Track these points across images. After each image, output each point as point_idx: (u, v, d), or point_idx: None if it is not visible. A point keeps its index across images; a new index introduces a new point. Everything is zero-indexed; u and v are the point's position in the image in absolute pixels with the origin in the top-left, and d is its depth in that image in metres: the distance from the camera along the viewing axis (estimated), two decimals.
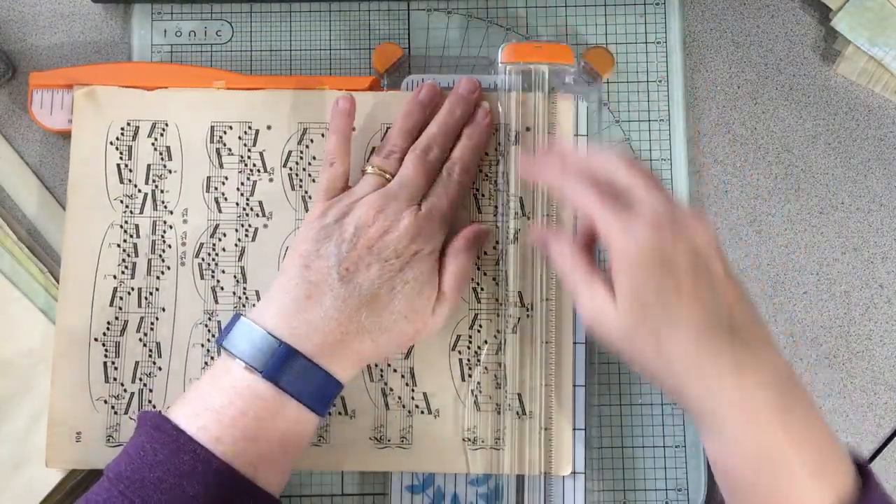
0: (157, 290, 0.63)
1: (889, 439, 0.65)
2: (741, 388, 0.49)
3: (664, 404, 0.65)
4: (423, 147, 0.60)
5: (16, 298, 0.64)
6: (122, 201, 0.63)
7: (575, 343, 0.63)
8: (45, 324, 0.64)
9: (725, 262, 0.51)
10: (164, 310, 0.63)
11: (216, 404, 0.53)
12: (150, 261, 0.63)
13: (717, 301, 0.50)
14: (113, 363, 0.62)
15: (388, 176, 0.59)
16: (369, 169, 0.60)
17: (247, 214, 0.63)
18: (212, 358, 0.62)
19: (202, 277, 0.63)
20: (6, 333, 0.64)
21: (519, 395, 0.62)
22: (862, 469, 0.50)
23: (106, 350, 0.62)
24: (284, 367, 0.53)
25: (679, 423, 0.64)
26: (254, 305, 0.61)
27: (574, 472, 0.62)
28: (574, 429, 0.62)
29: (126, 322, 0.62)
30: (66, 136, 0.65)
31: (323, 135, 0.64)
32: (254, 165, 0.63)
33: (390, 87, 0.65)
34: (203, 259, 0.63)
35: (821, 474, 0.49)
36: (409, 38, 0.68)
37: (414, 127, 0.61)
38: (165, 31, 0.68)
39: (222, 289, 0.63)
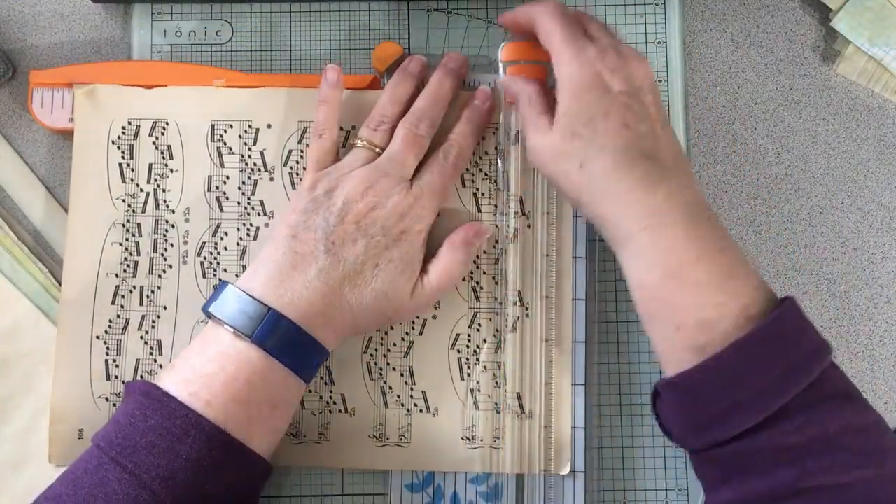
0: (158, 288, 0.63)
1: None
2: (649, 204, 0.52)
3: None
4: (412, 120, 0.60)
5: (16, 298, 0.64)
6: (124, 200, 0.63)
7: (574, 342, 0.63)
8: (45, 324, 0.64)
9: (659, 100, 0.56)
10: (165, 308, 0.63)
11: (206, 370, 0.53)
12: (151, 259, 0.63)
13: (642, 130, 0.54)
14: (114, 361, 0.62)
15: (377, 149, 0.60)
16: (358, 142, 0.60)
17: (248, 213, 0.63)
18: None
19: (204, 276, 0.63)
20: (6, 333, 0.64)
21: (518, 394, 0.62)
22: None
23: (107, 348, 0.62)
24: (273, 332, 0.54)
25: None
26: None
27: (574, 472, 0.62)
28: (574, 428, 0.62)
29: (128, 320, 0.62)
30: (66, 135, 0.66)
31: None
32: (254, 164, 0.64)
33: None
34: (205, 258, 0.63)
35: (727, 290, 0.50)
36: (409, 38, 0.68)
37: (402, 98, 0.61)
38: (165, 31, 0.68)
39: None
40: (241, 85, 0.64)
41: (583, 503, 0.62)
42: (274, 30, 0.68)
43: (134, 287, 0.63)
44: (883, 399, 0.66)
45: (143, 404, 0.52)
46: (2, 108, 0.67)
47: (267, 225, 0.63)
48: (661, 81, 0.67)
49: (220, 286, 0.56)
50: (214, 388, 0.53)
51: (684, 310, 0.51)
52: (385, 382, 0.62)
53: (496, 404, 0.62)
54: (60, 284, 0.64)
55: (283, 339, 0.54)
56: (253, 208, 0.63)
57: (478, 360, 0.62)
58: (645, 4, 0.68)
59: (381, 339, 0.63)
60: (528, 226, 0.63)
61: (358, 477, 0.64)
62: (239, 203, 0.63)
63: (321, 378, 0.62)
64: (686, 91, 0.67)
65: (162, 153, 0.64)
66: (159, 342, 0.62)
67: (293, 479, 0.64)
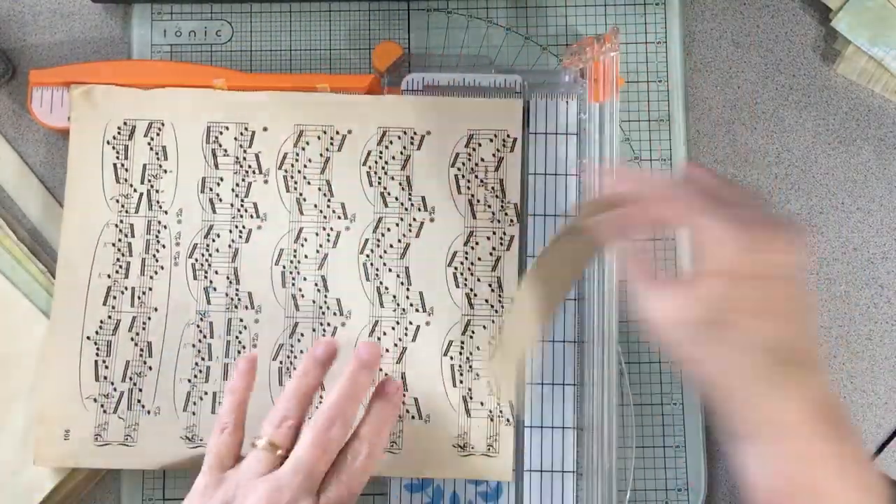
0: (150, 289, 0.63)
1: (889, 439, 0.65)
2: (786, 412, 0.47)
3: (664, 404, 0.64)
4: (323, 421, 0.52)
5: (16, 298, 0.64)
6: (117, 200, 0.63)
7: (564, 342, 0.63)
8: (45, 324, 0.64)
9: (795, 283, 0.49)
10: (156, 309, 0.63)
11: None
12: (143, 260, 0.63)
13: (784, 327, 0.48)
14: (104, 362, 0.62)
15: (279, 451, 0.52)
16: (259, 442, 0.52)
17: (241, 216, 0.63)
18: (202, 359, 0.62)
19: (195, 278, 0.63)
20: (6, 333, 0.64)
21: (511, 402, 0.62)
22: None
23: (97, 349, 0.62)
24: None
25: (679, 423, 0.64)
26: (246, 307, 0.62)
27: (574, 472, 0.62)
28: (573, 429, 0.62)
29: (118, 321, 0.62)
30: (65, 134, 0.66)
31: (319, 137, 0.63)
32: (249, 167, 0.63)
33: (390, 85, 0.65)
34: (196, 259, 0.63)
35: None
36: (409, 38, 0.68)
37: (311, 388, 0.54)
38: (165, 30, 0.68)
39: (215, 289, 0.63)
40: (240, 85, 0.64)
41: (582, 503, 0.62)
42: (274, 30, 0.68)
43: (126, 288, 0.63)
44: (883, 399, 0.66)
45: None
46: (2, 108, 0.67)
47: (259, 228, 0.63)
48: (661, 81, 0.67)
49: None
50: None
51: None
52: None
53: (489, 412, 0.62)
54: None
55: None
56: (246, 210, 0.63)
57: (471, 367, 0.62)
58: (645, 4, 0.68)
59: None
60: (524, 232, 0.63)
61: None
62: (232, 205, 0.63)
63: None
64: (686, 91, 0.67)
65: (156, 154, 0.64)
66: (149, 344, 0.62)
67: None
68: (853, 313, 0.66)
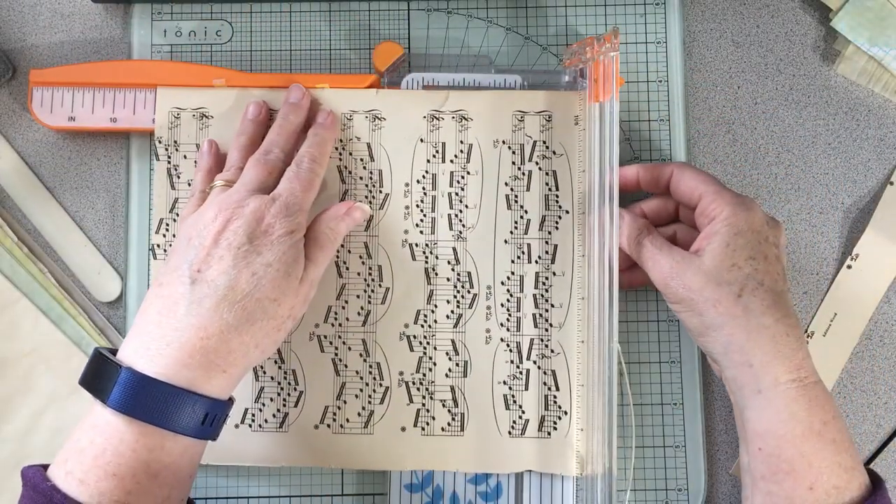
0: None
1: (889, 439, 0.65)
2: (798, 357, 0.55)
3: (664, 404, 0.64)
4: (262, 151, 0.60)
5: (16, 298, 0.64)
6: None
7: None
8: (44, 324, 0.64)
9: (775, 242, 0.58)
10: None
11: (80, 445, 0.50)
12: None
13: (784, 287, 0.57)
14: None
15: (232, 184, 0.59)
16: (217, 183, 0.59)
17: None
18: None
19: None
20: (6, 333, 0.64)
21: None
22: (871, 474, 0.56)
23: None
24: (129, 392, 0.50)
25: (679, 423, 0.64)
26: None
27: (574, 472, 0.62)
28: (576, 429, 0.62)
29: None
30: (65, 135, 0.66)
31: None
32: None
33: (390, 85, 0.65)
34: None
35: (853, 454, 0.55)
36: (409, 38, 0.68)
37: (250, 141, 0.62)
38: (165, 30, 0.68)
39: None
40: (240, 85, 0.64)
41: (582, 503, 0.62)
42: (274, 30, 0.68)
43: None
44: (883, 399, 0.66)
45: (24, 493, 0.50)
46: (2, 108, 0.67)
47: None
48: (661, 81, 0.67)
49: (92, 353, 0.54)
50: (86, 463, 0.49)
51: (820, 470, 0.54)
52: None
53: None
54: (59, 284, 0.64)
55: (144, 398, 0.50)
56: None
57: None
58: (645, 4, 0.68)
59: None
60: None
61: (358, 477, 0.64)
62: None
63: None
64: (686, 91, 0.67)
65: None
66: None
67: (293, 480, 0.64)
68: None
